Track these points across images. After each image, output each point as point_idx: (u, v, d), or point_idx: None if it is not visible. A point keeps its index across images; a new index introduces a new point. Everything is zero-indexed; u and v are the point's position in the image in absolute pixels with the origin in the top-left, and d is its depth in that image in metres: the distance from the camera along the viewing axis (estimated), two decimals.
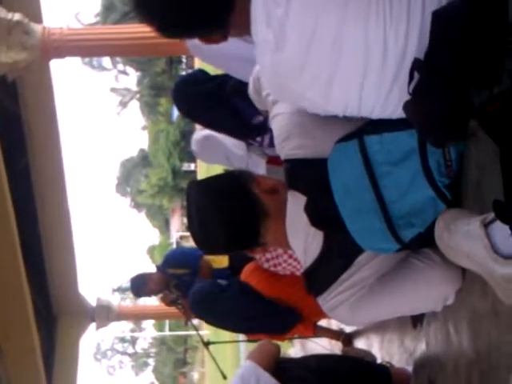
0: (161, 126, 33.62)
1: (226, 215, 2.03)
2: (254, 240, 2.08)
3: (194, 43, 2.99)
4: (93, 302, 11.20)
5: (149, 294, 5.72)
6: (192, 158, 30.76)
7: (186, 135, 28.73)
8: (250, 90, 2.30)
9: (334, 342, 4.75)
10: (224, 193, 2.08)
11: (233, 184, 2.09)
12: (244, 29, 1.71)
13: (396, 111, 1.67)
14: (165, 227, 43.36)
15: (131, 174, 41.56)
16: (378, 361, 3.41)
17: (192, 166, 33.13)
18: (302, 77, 1.66)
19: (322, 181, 1.83)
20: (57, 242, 9.12)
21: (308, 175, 1.91)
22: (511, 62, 1.34)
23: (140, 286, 5.55)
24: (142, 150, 40.90)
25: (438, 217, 1.73)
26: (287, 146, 1.96)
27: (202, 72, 3.51)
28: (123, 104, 37.29)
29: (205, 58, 3.08)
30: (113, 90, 36.69)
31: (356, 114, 1.73)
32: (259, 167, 3.47)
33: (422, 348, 2.40)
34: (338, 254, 1.90)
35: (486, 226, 1.46)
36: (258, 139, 3.39)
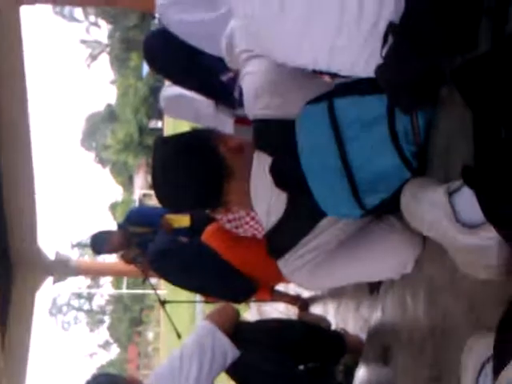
0: (130, 81, 33.29)
1: (190, 172, 2.02)
2: (217, 199, 2.07)
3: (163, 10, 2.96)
4: (51, 256, 11.13)
5: (109, 252, 5.71)
6: (159, 116, 30.59)
7: (154, 92, 28.49)
8: (222, 47, 2.27)
9: (290, 306, 4.78)
10: (189, 150, 2.06)
11: (199, 142, 2.08)
12: None
13: (365, 70, 1.64)
14: (129, 184, 43.16)
15: (97, 128, 41.24)
16: (333, 327, 3.44)
17: (159, 124, 32.93)
18: (275, 28, 1.63)
19: (289, 142, 1.81)
20: (18, 194, 9.03)
21: (275, 135, 1.89)
22: (484, 29, 1.32)
23: (100, 244, 5.53)
24: (109, 105, 40.54)
25: (402, 184, 1.73)
26: (256, 106, 1.93)
27: None
28: (93, 57, 36.87)
29: (172, 27, 3.04)
30: (83, 41, 36.25)
31: (325, 69, 1.69)
32: (227, 126, 3.44)
33: (377, 315, 2.41)
34: (300, 217, 1.89)
35: (450, 194, 1.46)
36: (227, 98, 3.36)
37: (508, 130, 0.88)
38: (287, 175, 1.87)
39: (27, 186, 9.24)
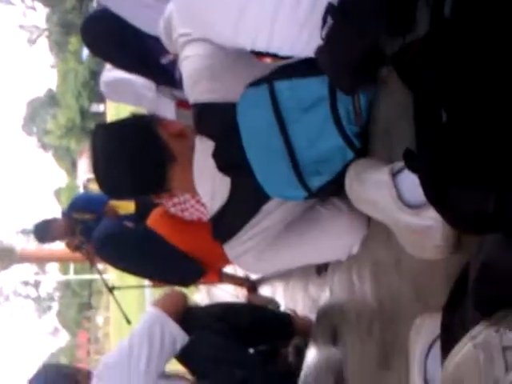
0: (70, 65, 32.82)
1: (131, 159, 1.99)
2: (161, 185, 2.04)
3: None
4: None
5: (53, 240, 5.64)
6: (101, 99, 30.27)
7: (95, 75, 28.15)
8: (161, 30, 2.23)
9: (239, 288, 4.78)
10: (130, 136, 2.03)
11: (139, 128, 2.05)
12: None
13: (304, 52, 1.64)
14: (72, 169, 42.70)
15: (38, 113, 40.68)
16: (282, 308, 3.44)
17: (101, 108, 32.60)
18: (214, 6, 1.60)
19: (231, 126, 1.79)
20: None
21: (216, 120, 1.87)
22: (424, 11, 1.32)
23: (44, 232, 5.46)
24: (50, 90, 39.99)
25: (346, 165, 1.72)
26: (196, 90, 1.90)
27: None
28: (31, 41, 36.28)
29: (112, 6, 2.98)
30: (21, 26, 35.62)
31: (264, 48, 1.68)
32: (168, 109, 3.41)
33: (325, 296, 2.41)
34: (244, 201, 1.88)
35: (394, 175, 1.45)
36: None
37: (449, 114, 0.88)
38: (230, 159, 1.85)
39: None
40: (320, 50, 1.55)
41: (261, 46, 1.66)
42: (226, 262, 3.79)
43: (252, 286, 4.56)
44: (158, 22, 2.34)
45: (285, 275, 3.59)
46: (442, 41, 0.85)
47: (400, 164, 1.44)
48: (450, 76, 0.84)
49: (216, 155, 1.85)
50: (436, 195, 0.97)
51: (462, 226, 1.09)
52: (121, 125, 2.13)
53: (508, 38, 0.78)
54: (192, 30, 1.89)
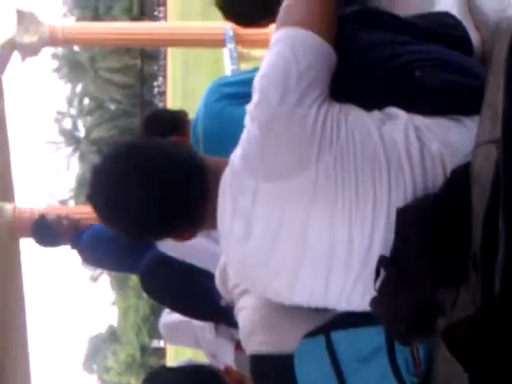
0: (130, 302, 33.32)
1: None
2: None
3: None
4: None
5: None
6: (161, 335, 30.33)
7: (155, 310, 28.44)
8: (217, 280, 2.27)
9: None
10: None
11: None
12: (214, 221, 1.68)
13: (361, 305, 1.65)
14: None
15: (99, 350, 40.82)
16: None
17: (161, 343, 32.61)
18: (267, 268, 1.65)
19: (288, 378, 1.78)
20: None
21: (273, 372, 1.86)
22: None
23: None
24: (111, 326, 40.41)
25: None
26: (251, 342, 1.91)
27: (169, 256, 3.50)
28: (93, 278, 37.16)
29: (170, 252, 3.06)
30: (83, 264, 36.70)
31: (321, 305, 1.70)
32: (227, 352, 3.39)
33: None
34: None
35: None
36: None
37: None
38: None
39: None
40: (374, 302, 1.56)
41: (317, 303, 1.68)
42: None
43: None
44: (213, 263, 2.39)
45: None
46: (494, 320, 0.84)
47: None
48: (506, 357, 0.82)
49: None
50: None
51: None
52: (180, 374, 2.14)
53: None
54: (248, 287, 1.93)
